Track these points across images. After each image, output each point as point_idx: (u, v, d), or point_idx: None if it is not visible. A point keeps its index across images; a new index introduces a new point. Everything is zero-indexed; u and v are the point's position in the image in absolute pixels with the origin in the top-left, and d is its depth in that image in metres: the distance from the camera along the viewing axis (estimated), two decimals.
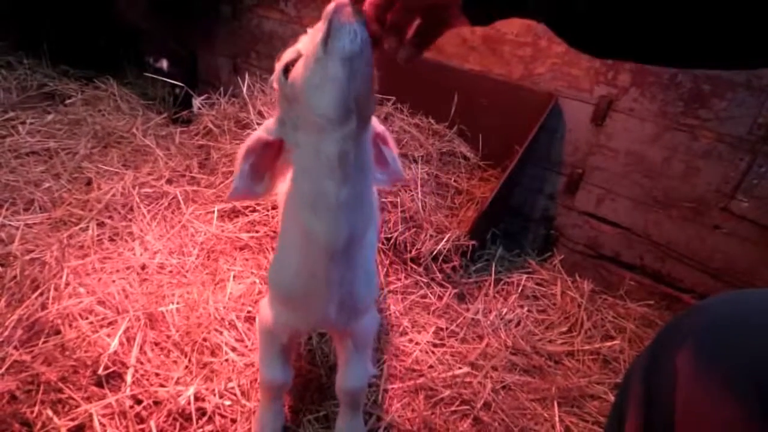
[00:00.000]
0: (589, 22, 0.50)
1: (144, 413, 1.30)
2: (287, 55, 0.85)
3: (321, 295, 1.01)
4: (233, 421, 1.34)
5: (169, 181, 2.23)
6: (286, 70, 0.84)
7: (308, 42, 0.80)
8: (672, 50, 0.50)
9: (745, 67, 0.51)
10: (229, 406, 1.36)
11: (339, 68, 0.74)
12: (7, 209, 1.93)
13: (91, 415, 1.26)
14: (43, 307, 1.51)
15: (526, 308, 1.91)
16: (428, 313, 1.80)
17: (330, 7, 0.74)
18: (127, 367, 1.39)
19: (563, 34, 0.54)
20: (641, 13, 0.47)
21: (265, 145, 0.94)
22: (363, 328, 1.16)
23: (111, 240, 1.89)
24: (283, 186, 1.07)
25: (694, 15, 0.46)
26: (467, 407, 1.49)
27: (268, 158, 0.96)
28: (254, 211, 2.07)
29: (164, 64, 2.83)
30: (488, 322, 1.81)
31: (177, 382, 1.39)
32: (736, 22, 0.45)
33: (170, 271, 1.78)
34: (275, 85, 0.90)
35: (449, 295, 1.86)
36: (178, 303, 1.62)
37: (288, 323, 1.11)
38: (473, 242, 1.90)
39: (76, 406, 1.28)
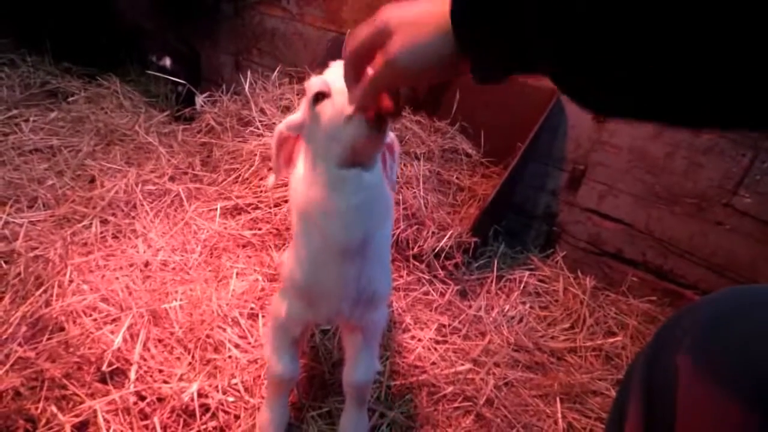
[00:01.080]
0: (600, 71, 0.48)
1: (148, 409, 1.31)
2: (315, 83, 0.91)
3: (336, 290, 1.03)
4: (237, 417, 1.34)
5: (172, 179, 2.23)
6: (316, 99, 0.91)
7: (336, 77, 0.86)
8: (694, 113, 0.46)
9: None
10: (233, 402, 1.37)
11: (349, 152, 0.87)
12: (10, 206, 1.93)
13: (95, 411, 1.26)
14: (47, 304, 1.51)
15: (528, 305, 1.91)
16: (430, 310, 1.80)
17: (350, 106, 0.81)
18: (131, 364, 1.40)
19: (576, 89, 0.53)
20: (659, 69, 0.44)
21: (287, 137, 1.05)
22: (374, 322, 1.17)
23: (114, 237, 1.90)
24: (294, 181, 1.09)
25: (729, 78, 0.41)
26: (470, 404, 1.49)
27: (291, 145, 1.07)
28: (257, 208, 2.07)
29: (167, 62, 2.83)
30: (490, 319, 1.81)
31: (180, 379, 1.39)
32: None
33: (173, 269, 1.78)
34: (306, 101, 0.97)
35: (451, 291, 1.86)
36: (181, 300, 1.63)
37: (302, 316, 1.13)
38: (475, 239, 1.91)
39: (81, 403, 1.28)
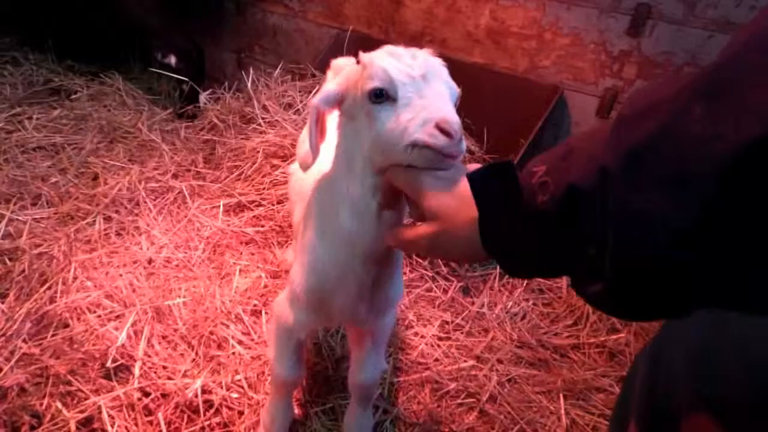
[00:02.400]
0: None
1: (152, 405, 1.32)
2: (378, 74, 0.78)
3: (353, 295, 0.98)
4: (240, 413, 1.35)
5: (175, 176, 2.24)
6: (376, 95, 0.79)
7: (401, 75, 0.77)
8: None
9: None
10: (236, 398, 1.37)
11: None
12: (14, 204, 1.94)
13: (99, 407, 1.27)
14: (52, 300, 1.52)
15: (531, 301, 1.91)
16: (434, 307, 1.81)
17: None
18: (135, 360, 1.40)
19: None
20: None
21: (324, 113, 0.91)
22: (384, 325, 1.15)
23: (118, 234, 1.90)
24: (297, 185, 1.06)
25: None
26: (473, 400, 1.49)
27: (325, 117, 0.93)
28: (259, 205, 2.07)
29: (172, 59, 2.83)
30: (494, 316, 1.81)
31: (184, 375, 1.40)
32: None
33: (177, 265, 1.79)
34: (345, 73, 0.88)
35: (454, 288, 1.86)
36: (184, 297, 1.64)
37: (311, 324, 1.10)
38: None
39: (85, 399, 1.29)
